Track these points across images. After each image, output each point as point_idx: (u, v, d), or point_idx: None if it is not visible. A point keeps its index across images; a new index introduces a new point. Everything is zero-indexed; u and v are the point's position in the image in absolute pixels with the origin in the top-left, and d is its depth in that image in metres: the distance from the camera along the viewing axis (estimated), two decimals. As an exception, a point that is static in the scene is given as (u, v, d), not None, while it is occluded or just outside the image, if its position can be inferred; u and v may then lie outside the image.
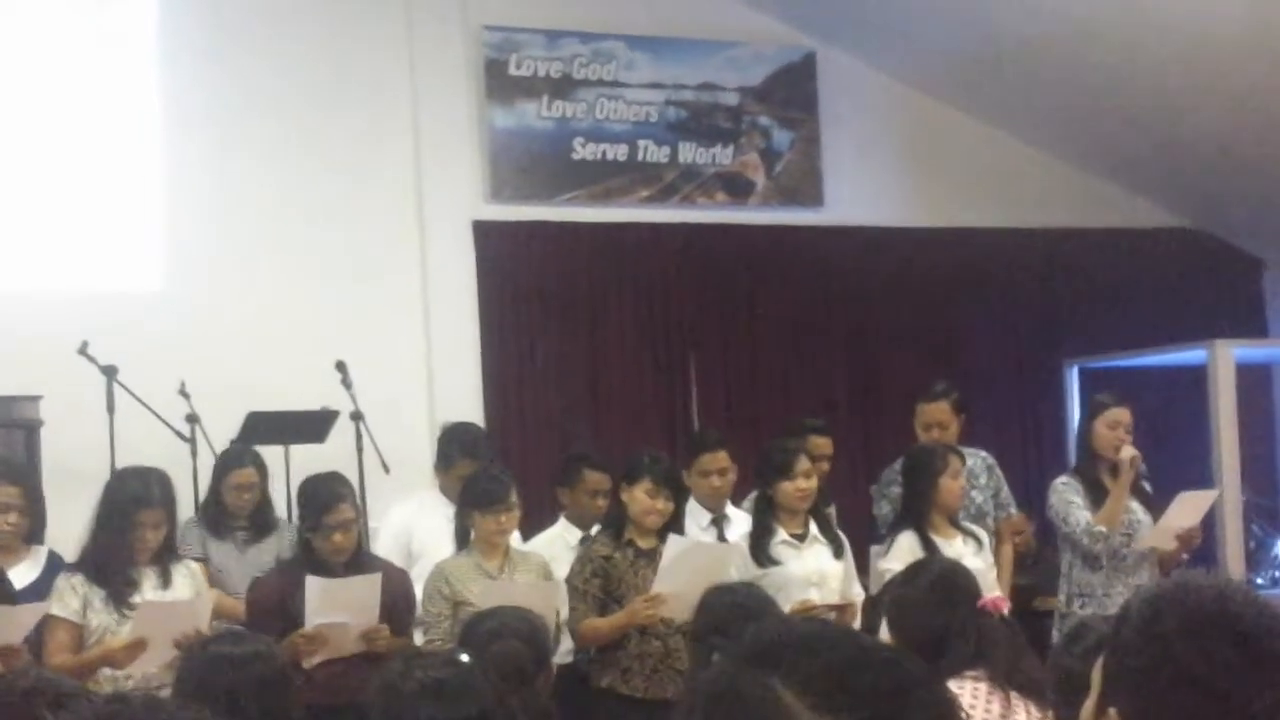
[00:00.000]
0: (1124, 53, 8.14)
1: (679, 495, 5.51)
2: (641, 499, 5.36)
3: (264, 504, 6.25)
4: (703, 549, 5.46)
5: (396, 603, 5.14)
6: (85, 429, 6.68)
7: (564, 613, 5.33)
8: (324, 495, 5.11)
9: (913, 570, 4.06)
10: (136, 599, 4.86)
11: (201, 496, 6.61)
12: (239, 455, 6.31)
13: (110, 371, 6.78)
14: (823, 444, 6.70)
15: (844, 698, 1.37)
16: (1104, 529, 6.06)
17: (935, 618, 3.59)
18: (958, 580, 3.79)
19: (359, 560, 5.17)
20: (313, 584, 4.90)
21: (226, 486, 6.18)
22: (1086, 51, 8.24)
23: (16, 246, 7.52)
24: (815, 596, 5.44)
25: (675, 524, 5.46)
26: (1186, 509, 6.16)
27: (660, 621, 5.20)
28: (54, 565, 5.33)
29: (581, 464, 6.24)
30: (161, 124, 7.81)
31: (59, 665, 4.57)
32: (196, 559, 5.79)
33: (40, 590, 5.02)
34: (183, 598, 4.94)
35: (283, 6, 8.08)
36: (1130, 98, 8.58)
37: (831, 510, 6.48)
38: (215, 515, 6.17)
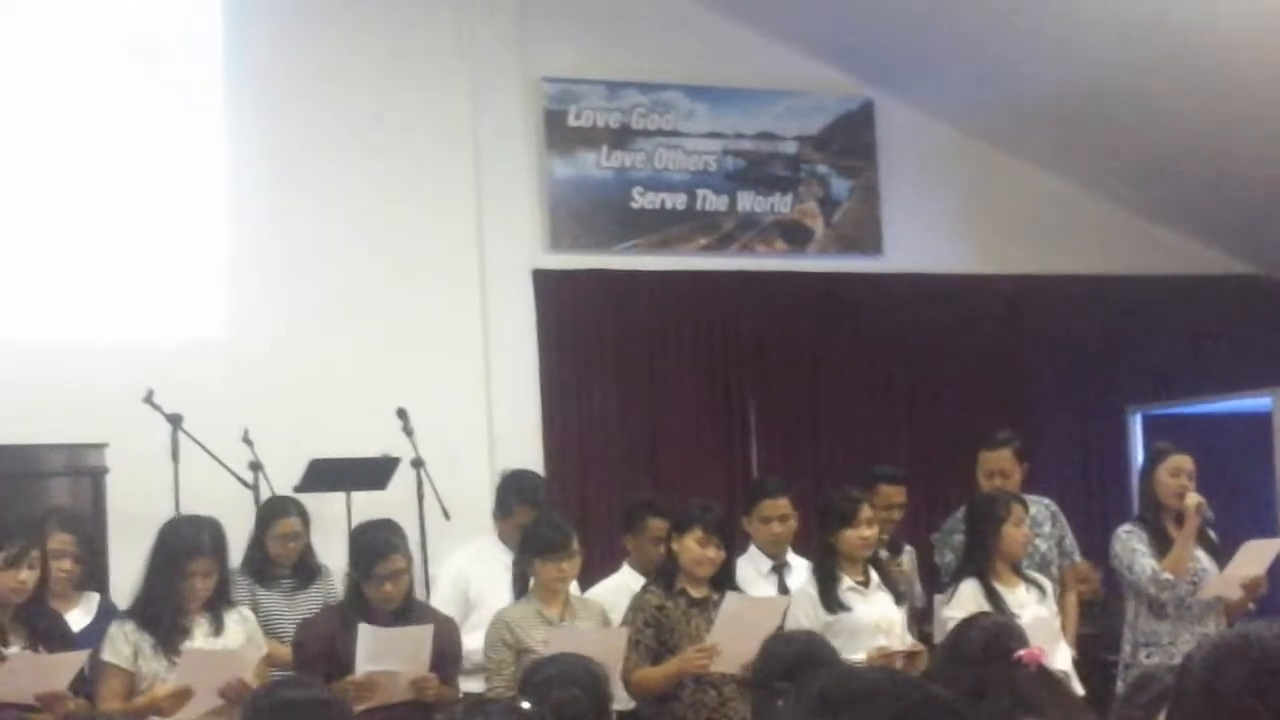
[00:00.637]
0: (1185, 99, 8.11)
1: (730, 544, 5.49)
2: (693, 548, 5.35)
3: (307, 552, 6.28)
4: (760, 604, 5.44)
5: (445, 652, 5.13)
6: (150, 476, 6.74)
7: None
8: (377, 544, 5.12)
9: (964, 625, 4.03)
10: (185, 646, 4.89)
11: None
12: (283, 505, 6.34)
13: (175, 420, 6.85)
14: (894, 493, 6.62)
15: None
16: (1170, 577, 6.00)
17: (967, 673, 3.56)
18: (1005, 635, 3.75)
19: (408, 609, 5.17)
20: (366, 632, 4.91)
21: (271, 536, 6.20)
22: (1146, 98, 8.22)
23: (84, 297, 7.61)
24: (884, 642, 5.41)
25: (726, 573, 5.45)
26: (1252, 558, 6.09)
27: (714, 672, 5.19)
28: (106, 612, 5.39)
29: (646, 511, 6.23)
30: (226, 175, 7.91)
31: (108, 711, 4.61)
32: None
33: (93, 636, 5.05)
34: (233, 645, 4.97)
35: (347, 58, 8.17)
36: (1191, 143, 8.54)
37: (906, 555, 6.44)
38: (260, 565, 6.19)
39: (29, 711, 4.52)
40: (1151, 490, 6.25)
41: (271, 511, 6.31)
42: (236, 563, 5.75)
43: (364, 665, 4.89)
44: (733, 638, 5.02)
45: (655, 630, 5.29)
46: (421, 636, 4.99)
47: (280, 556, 6.19)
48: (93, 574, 5.72)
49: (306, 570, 6.24)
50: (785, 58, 8.98)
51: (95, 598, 5.52)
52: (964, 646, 3.68)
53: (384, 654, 4.91)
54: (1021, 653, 3.55)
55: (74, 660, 4.69)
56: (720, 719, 5.23)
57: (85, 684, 4.80)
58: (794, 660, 4.09)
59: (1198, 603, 6.04)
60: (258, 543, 6.25)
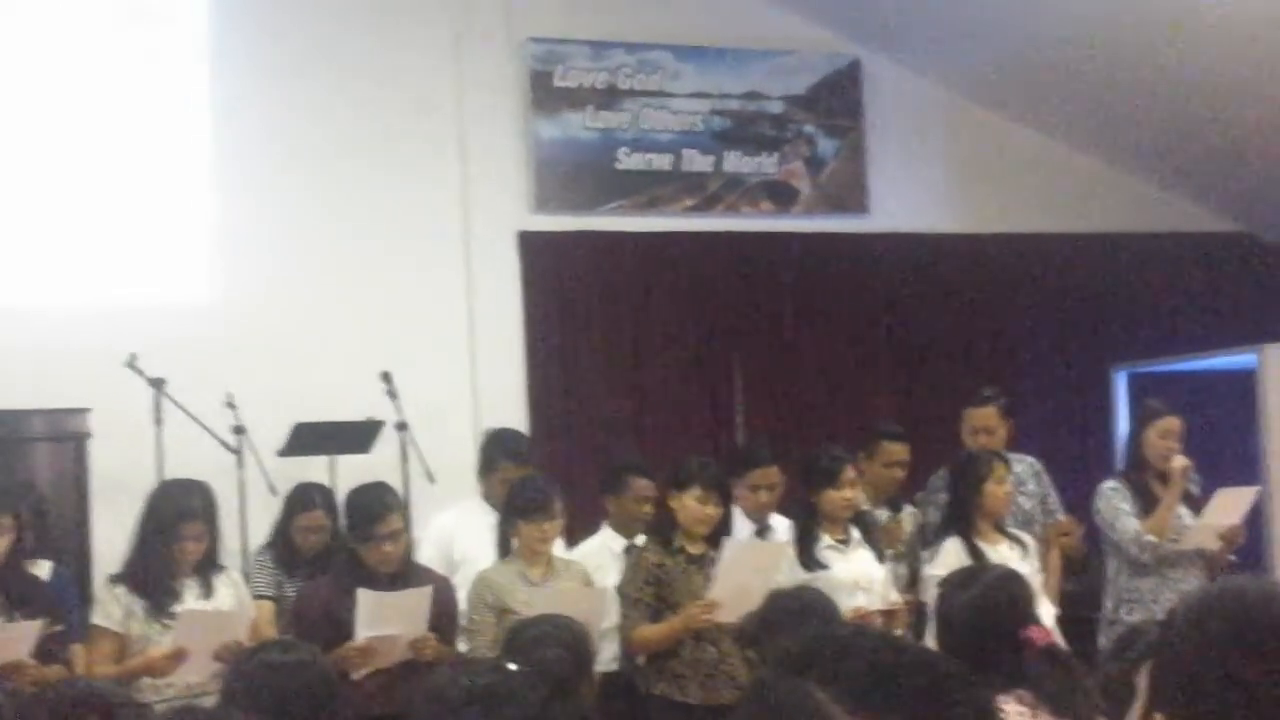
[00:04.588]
0: (1171, 55, 8.09)
1: (727, 500, 5.49)
2: (691, 505, 5.35)
3: (334, 539, 6.21)
4: (756, 549, 5.48)
5: (443, 612, 5.15)
6: (133, 441, 6.73)
7: (610, 620, 5.32)
8: (374, 506, 5.12)
9: (964, 577, 4.01)
10: (177, 609, 4.89)
11: (248, 507, 6.64)
12: (308, 496, 6.21)
13: (158, 384, 6.83)
14: (897, 450, 6.55)
15: (882, 700, 1.36)
16: (1153, 539, 6.02)
17: (971, 628, 3.53)
18: (1009, 589, 3.72)
19: (406, 570, 5.18)
20: (365, 597, 4.92)
21: (295, 527, 6.13)
22: (1132, 55, 8.19)
23: (65, 259, 7.58)
24: (862, 601, 5.43)
25: (724, 529, 5.45)
26: (1227, 506, 6.10)
27: (716, 626, 5.19)
28: (60, 578, 5.36)
29: (628, 471, 6.23)
30: (210, 138, 7.87)
31: (100, 675, 4.60)
32: (268, 597, 5.81)
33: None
34: (224, 608, 4.97)
35: (330, 21, 8.13)
36: (1177, 101, 8.52)
37: (908, 515, 6.43)
38: (286, 555, 6.14)
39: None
40: (1138, 449, 6.26)
41: (297, 502, 6.21)
42: (224, 529, 5.69)
43: (364, 631, 4.90)
44: (733, 587, 5.03)
45: (655, 588, 5.29)
46: (420, 599, 5.00)
47: (304, 548, 6.10)
48: (46, 542, 5.66)
49: (330, 558, 6.15)
50: (772, 17, 8.94)
51: (47, 565, 5.43)
52: (960, 606, 3.65)
53: (384, 619, 4.92)
54: (1027, 632, 3.54)
55: (29, 629, 4.65)
56: (720, 675, 5.23)
57: (59, 651, 4.78)
58: (793, 614, 4.07)
59: (1178, 554, 6.05)
60: (282, 530, 6.21)
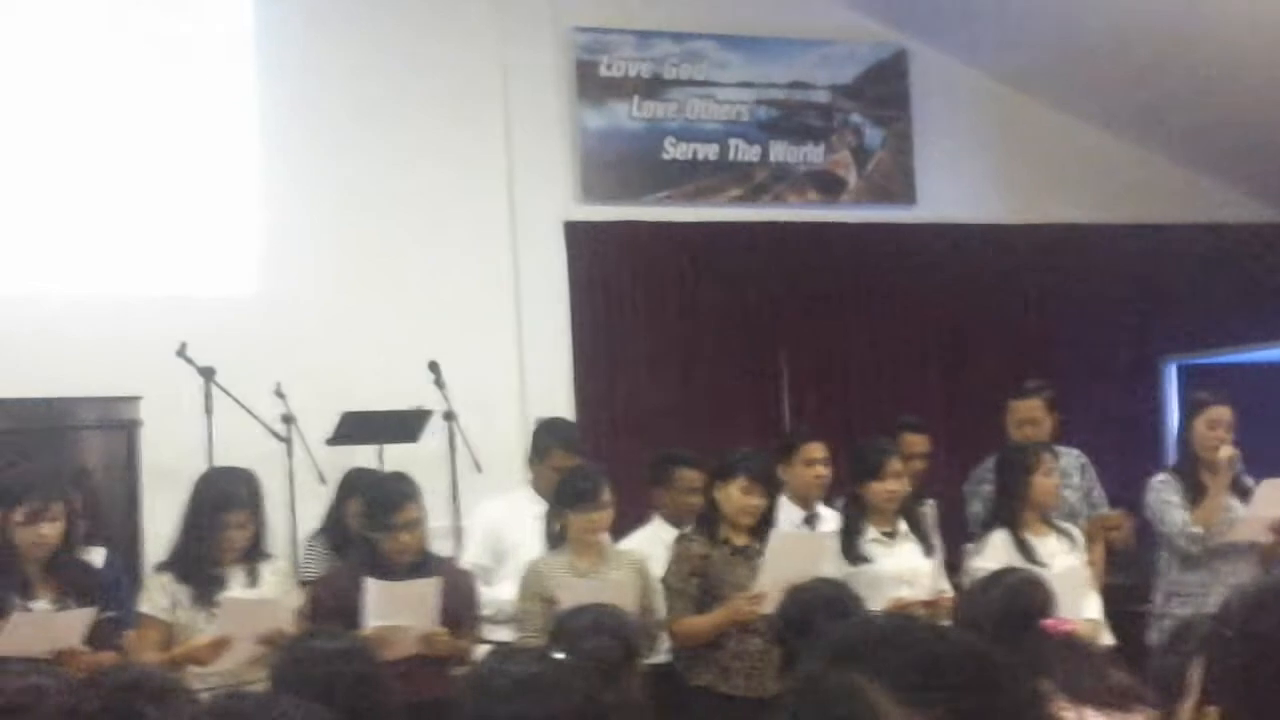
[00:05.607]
0: (1220, 44, 8.02)
1: (773, 492, 5.48)
2: (736, 496, 5.34)
3: None
4: (802, 540, 5.46)
5: (460, 604, 5.14)
6: (183, 429, 6.77)
7: (658, 612, 5.32)
8: (391, 495, 5.12)
9: (988, 581, 4.01)
10: (224, 596, 4.91)
11: (296, 496, 6.67)
12: (362, 481, 6.21)
13: (208, 373, 6.88)
14: (918, 442, 6.64)
15: (932, 691, 1.36)
16: (1200, 530, 5.97)
17: (992, 630, 3.54)
18: (1029, 594, 3.73)
19: (425, 561, 5.17)
20: (371, 586, 4.91)
21: (349, 512, 6.15)
22: (1181, 44, 8.13)
23: (116, 250, 7.64)
24: (907, 594, 5.41)
25: (769, 520, 5.43)
26: (1275, 495, 6.02)
27: (763, 617, 5.18)
28: (112, 565, 5.40)
29: (675, 463, 6.23)
30: (258, 129, 7.91)
31: (146, 662, 4.62)
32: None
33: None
34: (269, 596, 4.99)
35: (376, 13, 8.15)
36: (1228, 91, 8.45)
37: (928, 507, 6.43)
38: (338, 539, 6.16)
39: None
40: (1188, 441, 6.20)
41: (351, 486, 6.25)
42: (273, 517, 5.73)
43: (372, 621, 4.88)
44: (779, 579, 5.00)
45: (701, 579, 5.27)
46: (426, 590, 4.97)
47: (357, 532, 6.15)
48: (99, 529, 5.71)
49: None
50: (818, 6, 8.92)
51: (101, 552, 5.50)
52: (983, 609, 3.67)
53: (390, 608, 4.90)
54: (1047, 621, 3.54)
55: (82, 617, 4.67)
56: (766, 666, 5.20)
57: (113, 637, 4.82)
58: (813, 607, 4.08)
59: (1229, 547, 6.00)
60: (335, 515, 6.23)
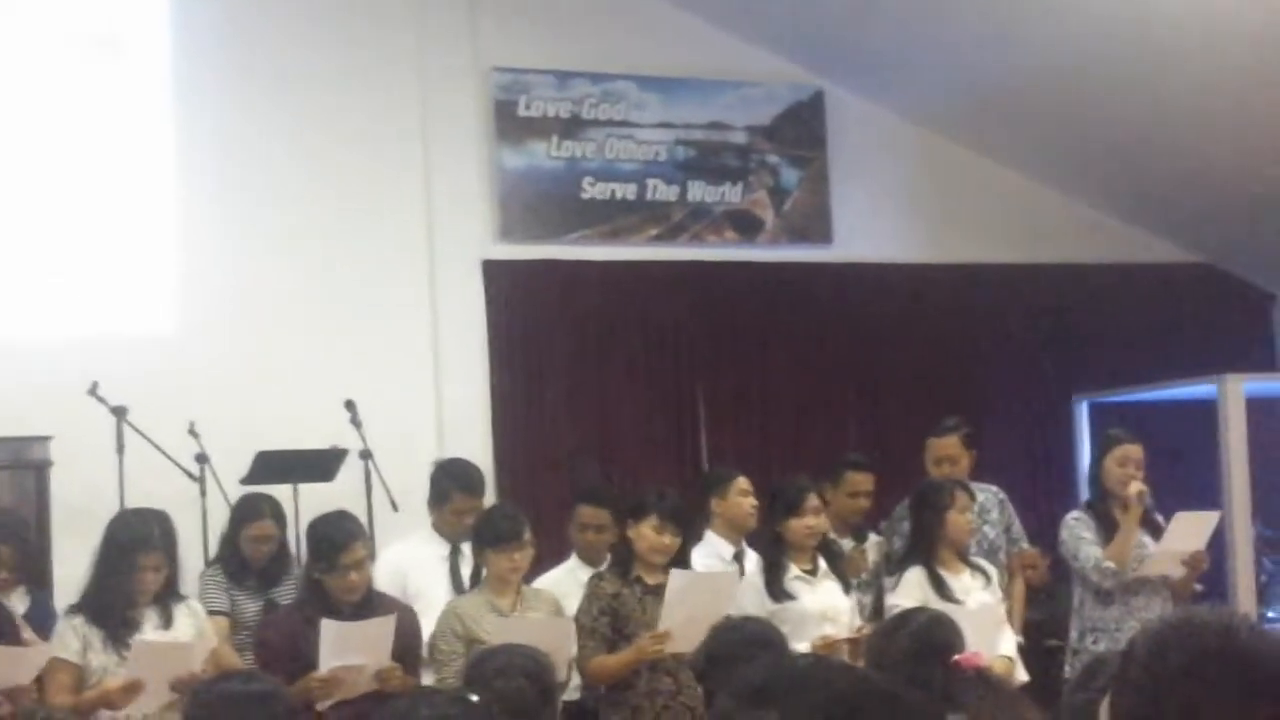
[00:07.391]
0: (1133, 89, 8.15)
1: (686, 530, 5.48)
2: (648, 535, 5.33)
3: (281, 553, 6.21)
4: (705, 579, 5.44)
5: (407, 641, 5.12)
6: (95, 470, 6.69)
7: (574, 650, 5.30)
8: (337, 535, 5.08)
9: (896, 622, 4.02)
10: (136, 638, 4.85)
11: (210, 536, 6.60)
12: (256, 506, 6.21)
13: (120, 412, 6.80)
14: (861, 480, 6.60)
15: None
16: (1113, 565, 6.04)
17: (903, 670, 3.55)
18: (936, 634, 3.75)
19: (370, 600, 5.15)
20: (328, 627, 4.88)
21: (244, 538, 6.12)
22: (1095, 87, 8.25)
23: (28, 289, 7.55)
24: (831, 631, 5.43)
25: (682, 560, 5.43)
26: (1187, 530, 6.10)
27: (671, 657, 5.17)
28: (39, 605, 5.35)
29: (577, 500, 6.23)
30: (173, 168, 7.85)
31: (59, 706, 4.57)
32: (221, 613, 5.79)
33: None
34: (183, 638, 4.93)
35: (295, 51, 8.12)
36: (1140, 134, 8.58)
37: (871, 546, 6.45)
38: (235, 567, 6.11)
39: None
40: (1099, 478, 6.28)
41: (245, 512, 6.20)
42: (186, 557, 5.67)
43: (329, 661, 4.85)
44: (684, 617, 5.00)
45: (610, 618, 5.26)
46: (384, 628, 4.96)
47: (254, 558, 6.10)
48: (27, 571, 5.66)
49: (278, 569, 6.14)
50: (736, 47, 8.98)
51: (25, 594, 5.48)
52: (891, 650, 3.68)
53: (347, 648, 4.88)
54: (959, 656, 3.55)
55: (42, 653, 4.65)
56: (677, 706, 5.21)
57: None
58: (738, 645, 4.07)
59: (1142, 582, 6.07)
60: (230, 542, 6.17)
